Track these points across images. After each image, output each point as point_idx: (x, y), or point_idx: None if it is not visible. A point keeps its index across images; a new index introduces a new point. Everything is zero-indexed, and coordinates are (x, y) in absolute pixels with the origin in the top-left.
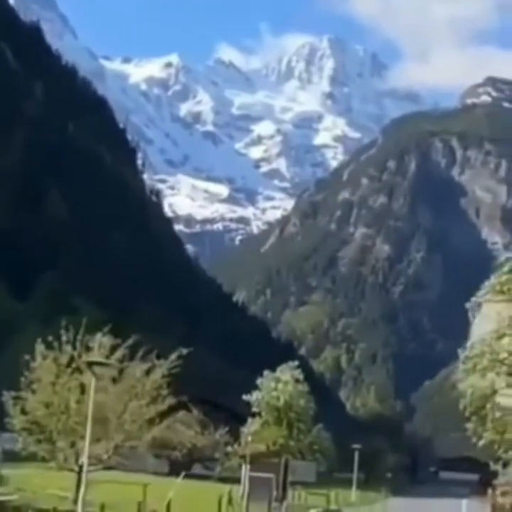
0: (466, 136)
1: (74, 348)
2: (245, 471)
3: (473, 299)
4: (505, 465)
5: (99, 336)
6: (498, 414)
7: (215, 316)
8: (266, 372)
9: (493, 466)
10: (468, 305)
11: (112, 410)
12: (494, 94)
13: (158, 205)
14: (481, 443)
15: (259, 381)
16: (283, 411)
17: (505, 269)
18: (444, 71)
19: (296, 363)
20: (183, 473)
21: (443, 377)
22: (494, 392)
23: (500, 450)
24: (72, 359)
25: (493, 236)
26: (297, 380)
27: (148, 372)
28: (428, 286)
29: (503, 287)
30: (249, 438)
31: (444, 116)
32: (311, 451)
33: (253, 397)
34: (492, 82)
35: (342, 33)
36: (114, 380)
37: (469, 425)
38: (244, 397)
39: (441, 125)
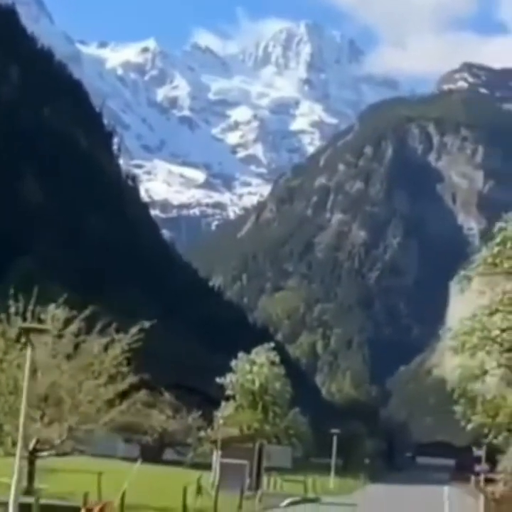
0: (442, 122)
1: (24, 319)
2: (216, 457)
3: (462, 272)
4: (490, 451)
5: (52, 307)
6: (488, 396)
7: (192, 301)
8: (240, 354)
9: (476, 452)
10: (455, 279)
11: (66, 390)
12: (471, 80)
13: (135, 190)
14: (470, 426)
15: (233, 363)
16: (258, 394)
17: (498, 240)
18: (421, 57)
19: (272, 344)
20: (140, 461)
21: (418, 362)
22: (484, 372)
23: (491, 435)
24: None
25: (469, 222)
26: (273, 363)
27: (106, 347)
28: (404, 271)
29: (495, 259)
30: (221, 421)
31: (421, 102)
32: (287, 436)
33: (227, 379)
34: (468, 67)
35: (319, 18)
36: (69, 357)
37: (457, 408)
38: (218, 379)
39: (418, 111)
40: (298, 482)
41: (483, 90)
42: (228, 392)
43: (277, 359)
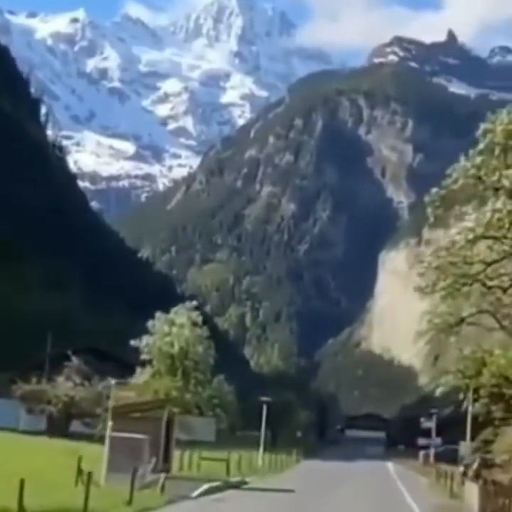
0: (373, 95)
1: None
2: (108, 431)
3: (434, 189)
4: (444, 423)
5: None
6: (467, 351)
7: (119, 271)
8: (158, 314)
9: (425, 424)
10: (426, 199)
11: None
12: (401, 53)
13: (62, 160)
14: (439, 391)
15: (150, 324)
16: (178, 358)
17: (482, 146)
18: (352, 30)
19: (194, 303)
20: None
21: (347, 335)
22: (461, 320)
23: (466, 401)
24: None
25: (398, 195)
26: (195, 324)
27: None
28: (333, 244)
29: (479, 172)
30: (113, 382)
31: (351, 75)
32: (210, 406)
33: (143, 342)
34: (399, 41)
35: None
36: None
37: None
38: (133, 342)
39: (348, 84)
40: (220, 460)
41: (413, 64)
42: (144, 356)
43: (200, 320)
